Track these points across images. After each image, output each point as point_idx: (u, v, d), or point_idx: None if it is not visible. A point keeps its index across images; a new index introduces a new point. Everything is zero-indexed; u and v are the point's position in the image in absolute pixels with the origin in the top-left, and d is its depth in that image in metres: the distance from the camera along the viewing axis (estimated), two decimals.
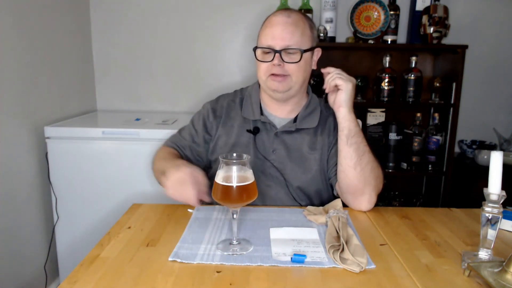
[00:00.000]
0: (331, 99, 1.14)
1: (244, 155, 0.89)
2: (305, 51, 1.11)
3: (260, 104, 1.23)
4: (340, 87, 1.10)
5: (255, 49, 1.15)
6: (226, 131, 1.22)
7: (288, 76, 1.12)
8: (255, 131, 1.19)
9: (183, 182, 0.96)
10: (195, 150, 1.25)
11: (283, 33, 1.09)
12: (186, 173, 0.97)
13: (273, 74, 1.12)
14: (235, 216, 0.89)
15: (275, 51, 1.09)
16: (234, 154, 0.91)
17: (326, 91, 1.14)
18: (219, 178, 0.88)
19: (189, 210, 1.08)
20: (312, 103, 1.23)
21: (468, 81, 2.21)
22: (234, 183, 0.86)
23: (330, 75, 1.11)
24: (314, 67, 1.20)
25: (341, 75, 1.10)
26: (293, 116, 1.22)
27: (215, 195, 0.89)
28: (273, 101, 1.21)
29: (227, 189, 0.86)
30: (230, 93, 1.31)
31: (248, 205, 1.12)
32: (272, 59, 1.10)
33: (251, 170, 0.89)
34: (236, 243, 0.89)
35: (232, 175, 0.86)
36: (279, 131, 1.19)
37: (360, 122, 2.12)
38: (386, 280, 0.76)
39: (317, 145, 1.19)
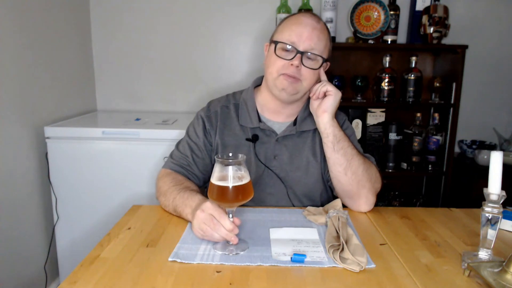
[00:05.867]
0: (314, 104, 1.12)
1: (240, 155, 0.89)
2: (324, 61, 1.10)
3: (257, 110, 1.20)
4: (330, 93, 1.09)
5: (276, 43, 1.09)
6: (224, 141, 1.18)
7: (300, 80, 1.09)
8: (254, 138, 1.17)
9: (206, 220, 0.89)
10: (200, 164, 1.19)
11: (311, 35, 1.06)
12: (204, 212, 0.90)
13: (285, 74, 1.08)
14: (231, 216, 0.89)
15: (298, 51, 1.06)
16: (230, 154, 0.91)
17: (314, 98, 1.12)
18: (214, 178, 0.87)
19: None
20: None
21: (468, 81, 2.22)
22: (230, 183, 0.86)
23: (320, 83, 1.11)
24: None
25: (330, 83, 1.10)
26: (292, 119, 1.20)
27: (210, 195, 0.89)
28: (275, 103, 1.17)
29: (222, 189, 0.86)
30: (221, 98, 1.26)
31: (248, 206, 1.12)
32: (292, 58, 1.06)
33: (246, 170, 0.89)
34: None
35: (228, 174, 0.86)
36: (280, 136, 1.17)
37: (360, 122, 2.14)
38: (386, 280, 0.76)
39: (317, 148, 1.19)
